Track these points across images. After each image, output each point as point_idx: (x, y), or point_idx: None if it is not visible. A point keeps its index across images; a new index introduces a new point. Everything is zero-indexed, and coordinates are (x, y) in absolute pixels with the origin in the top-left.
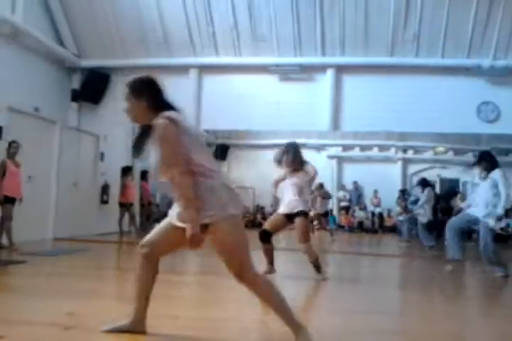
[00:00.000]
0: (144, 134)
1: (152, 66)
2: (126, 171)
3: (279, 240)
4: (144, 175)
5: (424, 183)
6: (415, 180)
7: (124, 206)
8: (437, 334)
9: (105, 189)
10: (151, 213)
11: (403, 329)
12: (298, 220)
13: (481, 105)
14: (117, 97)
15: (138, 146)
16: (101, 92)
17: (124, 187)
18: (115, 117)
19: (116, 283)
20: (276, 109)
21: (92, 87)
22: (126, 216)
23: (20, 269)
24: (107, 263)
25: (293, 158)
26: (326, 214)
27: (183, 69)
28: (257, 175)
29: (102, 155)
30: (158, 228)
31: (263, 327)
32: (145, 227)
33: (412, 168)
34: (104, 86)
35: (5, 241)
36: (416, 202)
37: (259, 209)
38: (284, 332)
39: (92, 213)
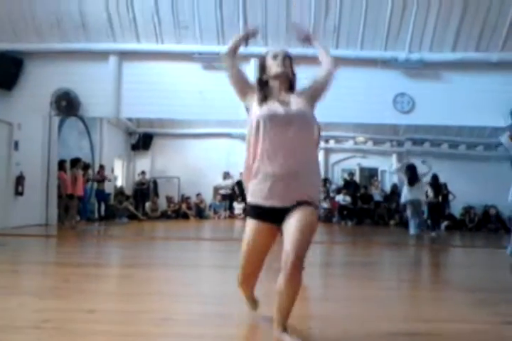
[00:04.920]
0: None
1: (69, 51)
2: (76, 163)
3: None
4: (61, 165)
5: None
6: (336, 169)
7: (74, 198)
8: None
9: (20, 180)
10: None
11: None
12: None
13: (397, 96)
14: (32, 83)
15: None
16: (14, 78)
17: (74, 179)
18: (30, 104)
19: (32, 278)
20: (200, 97)
21: (4, 72)
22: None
23: None
24: (24, 258)
25: None
26: None
27: (102, 55)
28: (182, 164)
29: (16, 144)
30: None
31: (185, 317)
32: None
33: (334, 158)
34: (17, 71)
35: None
36: (339, 190)
37: (185, 199)
38: (206, 322)
39: (6, 205)
